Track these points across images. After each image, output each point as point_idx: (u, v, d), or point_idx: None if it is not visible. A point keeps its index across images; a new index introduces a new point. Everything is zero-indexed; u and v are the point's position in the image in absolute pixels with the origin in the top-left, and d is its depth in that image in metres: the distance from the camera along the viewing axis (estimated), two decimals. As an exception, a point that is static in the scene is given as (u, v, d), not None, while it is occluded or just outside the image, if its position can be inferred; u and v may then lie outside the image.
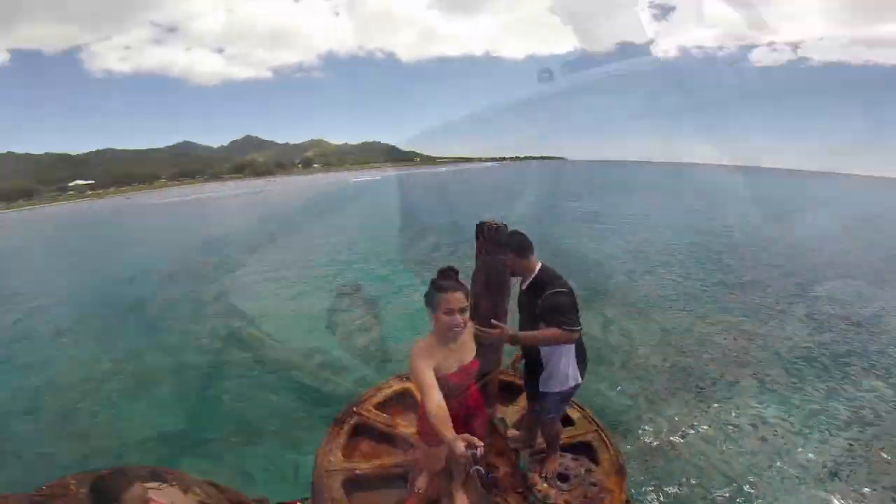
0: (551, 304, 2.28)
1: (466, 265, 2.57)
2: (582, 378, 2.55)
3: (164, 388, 8.18)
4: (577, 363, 2.50)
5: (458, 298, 1.91)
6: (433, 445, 2.18)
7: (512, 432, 3.02)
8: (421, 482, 2.53)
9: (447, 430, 1.65)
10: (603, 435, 2.94)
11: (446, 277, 1.99)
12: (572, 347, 2.43)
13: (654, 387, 7.38)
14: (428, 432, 2.09)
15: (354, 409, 3.33)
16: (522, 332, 2.42)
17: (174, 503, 2.36)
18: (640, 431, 6.13)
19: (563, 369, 2.44)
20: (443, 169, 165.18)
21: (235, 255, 20.43)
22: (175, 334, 11.04)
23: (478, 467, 1.44)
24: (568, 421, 3.07)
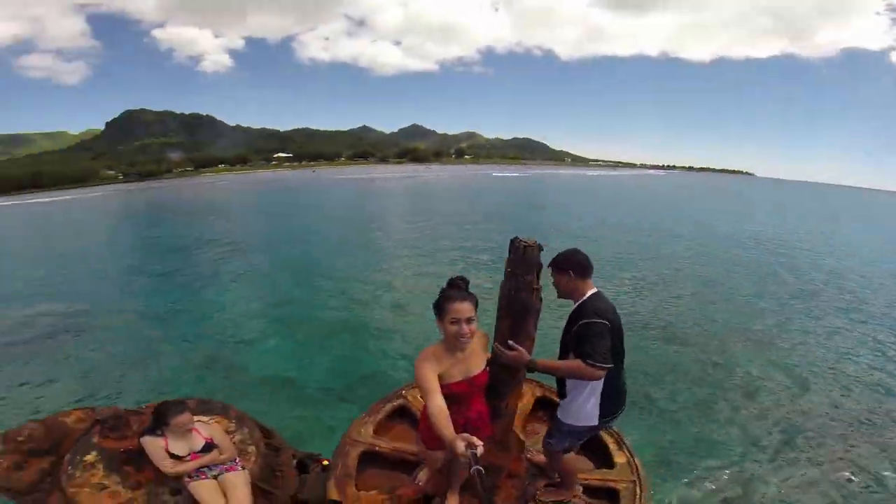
0: (581, 333, 2.12)
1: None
2: (600, 422, 2.30)
3: (292, 336, 9.54)
4: (602, 404, 2.26)
5: (465, 308, 1.89)
6: (432, 449, 2.22)
7: (537, 457, 2.80)
8: (422, 476, 2.58)
9: (447, 430, 1.66)
10: (638, 488, 2.61)
11: (455, 287, 1.99)
12: (599, 385, 2.21)
13: (769, 442, 6.05)
14: (429, 436, 2.14)
15: (403, 391, 3.48)
16: (542, 360, 2.24)
17: (212, 437, 2.69)
18: (715, 484, 5.15)
19: (581, 405, 2.27)
20: (594, 172, 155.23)
21: (383, 228, 22.95)
22: (320, 292, 12.78)
23: (478, 467, 1.42)
24: (609, 463, 2.81)
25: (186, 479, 2.56)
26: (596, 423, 2.29)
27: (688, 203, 47.07)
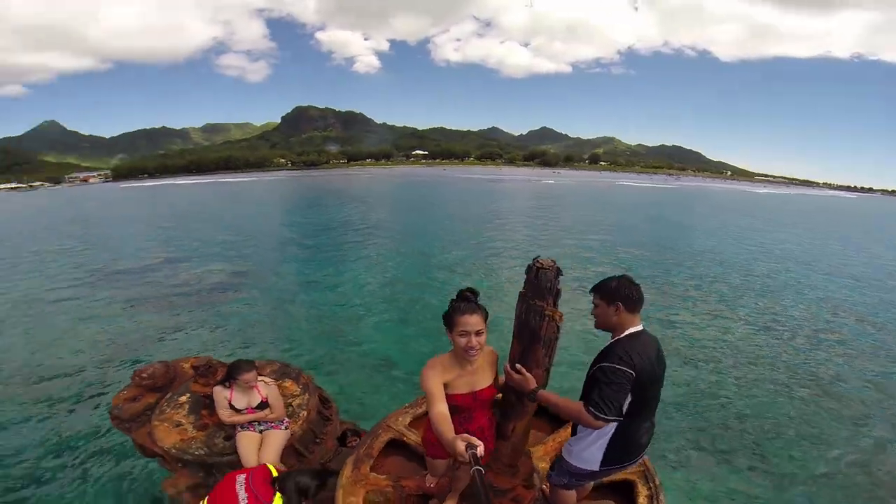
0: (596, 376, 1.93)
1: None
2: (601, 469, 2.12)
3: (397, 319, 10.02)
4: (608, 451, 2.07)
5: (473, 321, 1.89)
6: (432, 456, 2.27)
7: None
8: (430, 479, 2.61)
9: (447, 432, 1.70)
10: None
11: (464, 299, 1.95)
12: (609, 431, 2.02)
13: None
14: (430, 443, 2.22)
15: None
16: (546, 392, 2.09)
17: (268, 397, 2.96)
18: None
19: (586, 447, 2.11)
20: (759, 189, 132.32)
21: (499, 228, 22.96)
22: (431, 281, 13.28)
23: (478, 468, 1.42)
24: None
25: (238, 428, 2.88)
26: (597, 468, 2.12)
27: (888, 235, 37.28)
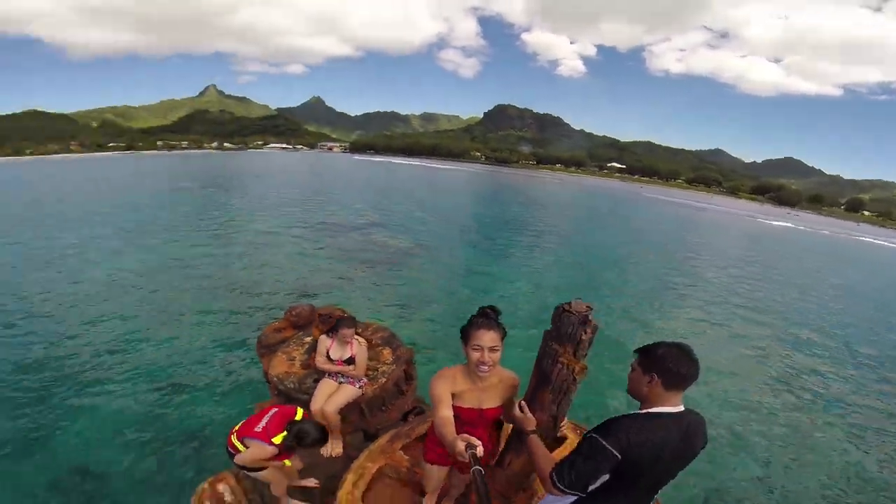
0: (581, 444, 1.75)
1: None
2: None
3: (536, 331, 9.59)
4: None
5: (488, 338, 1.88)
6: (429, 461, 2.26)
7: None
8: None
9: (449, 433, 1.75)
10: None
11: (484, 315, 1.94)
12: (567, 499, 1.85)
13: None
14: (430, 448, 2.24)
15: None
16: (537, 441, 1.95)
17: (355, 355, 3.21)
18: None
19: (550, 502, 1.96)
20: None
21: (683, 264, 19.86)
22: (586, 297, 12.38)
23: (477, 468, 1.44)
24: None
25: (326, 375, 3.22)
26: None
27: None
